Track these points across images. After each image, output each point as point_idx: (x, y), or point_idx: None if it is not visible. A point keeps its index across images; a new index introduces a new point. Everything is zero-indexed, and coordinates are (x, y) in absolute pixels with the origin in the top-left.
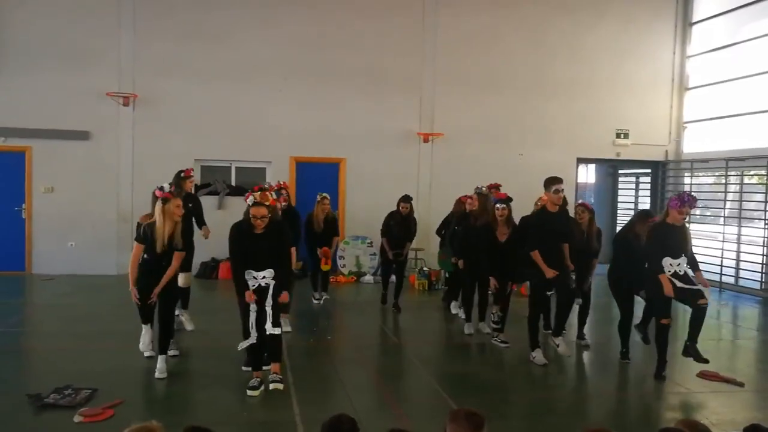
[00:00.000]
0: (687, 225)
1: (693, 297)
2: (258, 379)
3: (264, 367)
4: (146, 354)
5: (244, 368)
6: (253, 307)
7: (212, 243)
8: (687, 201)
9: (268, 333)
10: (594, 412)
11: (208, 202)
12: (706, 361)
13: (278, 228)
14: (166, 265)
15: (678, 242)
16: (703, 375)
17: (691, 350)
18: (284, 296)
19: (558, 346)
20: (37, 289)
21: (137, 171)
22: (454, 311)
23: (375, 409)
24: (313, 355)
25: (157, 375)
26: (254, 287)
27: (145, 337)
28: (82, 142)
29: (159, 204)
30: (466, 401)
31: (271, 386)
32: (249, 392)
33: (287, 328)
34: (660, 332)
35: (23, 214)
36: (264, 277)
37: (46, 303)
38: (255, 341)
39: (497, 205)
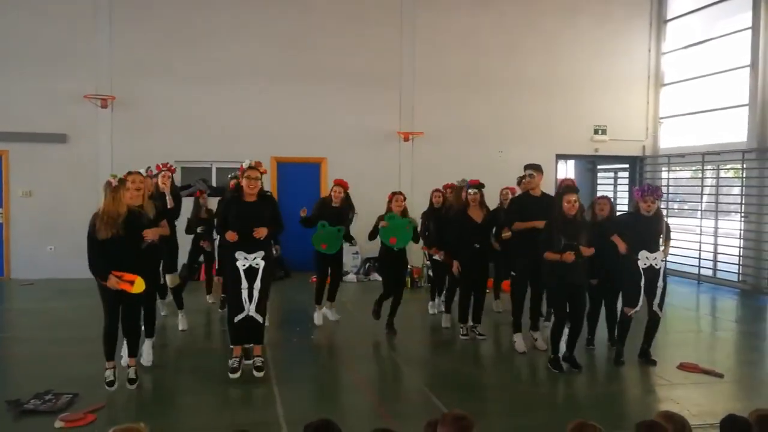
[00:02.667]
0: (664, 218)
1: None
2: (237, 359)
3: (246, 361)
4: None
5: (230, 361)
6: (244, 284)
7: (182, 245)
8: (647, 190)
9: (249, 314)
10: (574, 406)
11: (188, 203)
12: (654, 363)
13: (269, 196)
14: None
15: (652, 233)
16: (683, 367)
17: (642, 353)
18: (260, 230)
19: (536, 339)
20: (17, 295)
21: (116, 173)
22: (431, 311)
23: (359, 408)
24: (297, 354)
25: (144, 361)
26: (245, 267)
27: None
28: (60, 145)
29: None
30: (451, 398)
31: (255, 373)
32: (230, 375)
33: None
34: (623, 320)
35: (1, 219)
36: (255, 258)
37: (25, 308)
38: (247, 313)
39: (470, 191)
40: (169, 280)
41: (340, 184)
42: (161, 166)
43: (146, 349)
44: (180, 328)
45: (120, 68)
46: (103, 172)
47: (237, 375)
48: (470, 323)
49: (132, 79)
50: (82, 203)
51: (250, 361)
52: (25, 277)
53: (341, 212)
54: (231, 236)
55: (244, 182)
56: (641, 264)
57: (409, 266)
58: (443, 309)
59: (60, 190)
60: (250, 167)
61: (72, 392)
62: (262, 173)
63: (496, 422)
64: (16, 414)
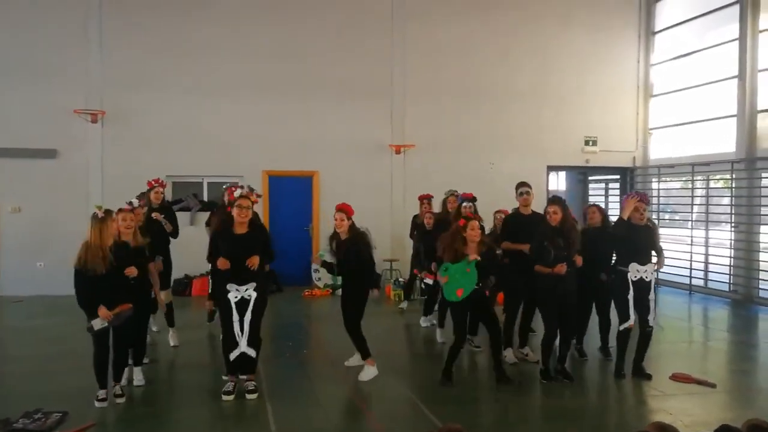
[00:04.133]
0: (655, 226)
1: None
2: (232, 384)
3: (241, 376)
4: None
5: (224, 377)
6: (236, 317)
7: (185, 259)
8: (636, 195)
9: (241, 351)
10: (567, 418)
11: (180, 218)
12: (649, 377)
13: (260, 226)
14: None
15: (645, 244)
16: (675, 377)
17: (635, 370)
18: (253, 259)
19: (526, 355)
20: (6, 312)
21: (107, 189)
22: (424, 325)
23: (352, 423)
24: (289, 368)
25: (135, 383)
26: (237, 299)
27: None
28: (49, 161)
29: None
30: (444, 411)
31: (247, 396)
32: (224, 397)
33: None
34: (621, 334)
35: None
36: (246, 290)
37: (14, 325)
38: (242, 350)
39: (464, 204)
40: (163, 296)
41: (340, 209)
42: (153, 182)
43: (136, 373)
44: (171, 344)
45: (110, 83)
46: (94, 188)
47: (230, 398)
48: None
49: (122, 93)
50: (72, 219)
51: (244, 377)
52: (15, 293)
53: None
54: (222, 263)
55: (235, 211)
56: (631, 276)
57: (401, 279)
58: (436, 323)
59: (50, 206)
60: (241, 196)
61: (62, 410)
62: (253, 202)
63: None
64: None
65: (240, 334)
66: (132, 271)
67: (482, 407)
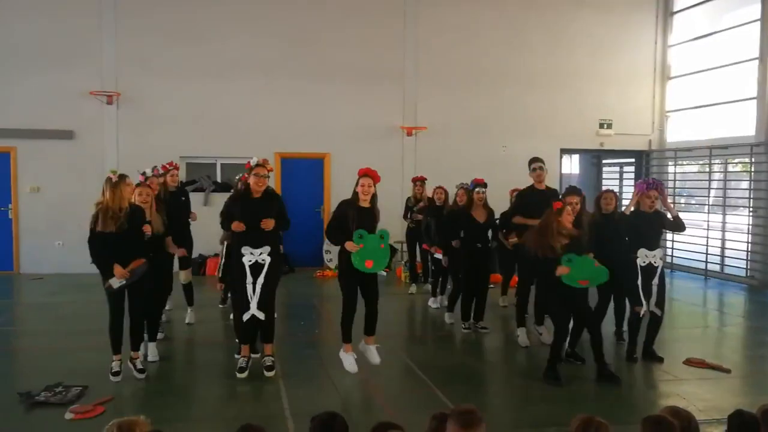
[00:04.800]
0: (662, 213)
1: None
2: (245, 358)
3: (253, 355)
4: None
5: (236, 356)
6: (249, 279)
7: (199, 239)
8: (651, 183)
9: (251, 313)
10: (579, 401)
11: (193, 199)
12: (661, 360)
13: (275, 193)
14: (133, 245)
15: (654, 230)
16: (689, 362)
17: (645, 353)
18: (268, 221)
19: (541, 334)
20: (26, 289)
21: (122, 169)
22: (434, 306)
23: (363, 402)
24: (302, 348)
25: (149, 358)
26: (251, 263)
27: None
28: (67, 141)
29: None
30: (454, 392)
31: (266, 373)
32: (238, 374)
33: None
34: (632, 320)
35: (10, 215)
36: (261, 254)
37: (35, 302)
38: (252, 312)
39: (476, 189)
40: (183, 276)
41: (368, 174)
42: (167, 165)
43: (150, 349)
44: (187, 321)
45: (125, 64)
46: (109, 168)
47: (244, 375)
48: (472, 320)
49: (137, 75)
50: (89, 198)
51: (257, 355)
52: (34, 271)
53: (373, 215)
54: (238, 226)
55: (252, 179)
56: (640, 262)
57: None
58: (446, 305)
59: (67, 186)
60: (258, 165)
61: (81, 385)
62: (269, 171)
63: (500, 416)
64: (28, 406)
65: (252, 295)
66: (147, 229)
67: (492, 389)
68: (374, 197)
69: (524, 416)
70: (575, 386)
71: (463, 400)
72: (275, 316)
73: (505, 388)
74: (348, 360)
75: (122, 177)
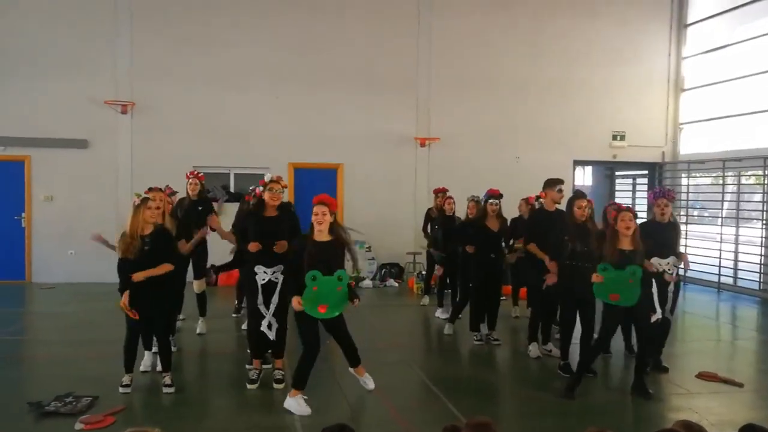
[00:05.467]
0: (677, 223)
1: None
2: (257, 371)
3: (265, 366)
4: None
5: (248, 367)
6: (260, 300)
7: (212, 249)
8: (659, 192)
9: (261, 329)
10: (590, 413)
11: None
12: (666, 370)
13: (287, 208)
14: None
15: (666, 240)
16: (702, 376)
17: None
18: (281, 244)
19: (550, 351)
20: (38, 298)
21: (136, 178)
22: (442, 317)
23: (374, 414)
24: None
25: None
26: (264, 282)
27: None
28: (80, 150)
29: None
30: (465, 404)
31: (275, 385)
32: (248, 386)
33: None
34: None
35: (23, 223)
36: (274, 273)
37: (46, 311)
38: (267, 323)
39: (490, 201)
40: (196, 285)
41: (323, 201)
42: (189, 174)
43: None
44: (198, 331)
45: (139, 74)
46: (123, 177)
47: (255, 386)
48: (484, 331)
49: (151, 84)
50: (103, 208)
51: (269, 366)
52: (46, 280)
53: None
54: (253, 247)
55: (266, 195)
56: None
57: (424, 272)
58: (448, 317)
59: (81, 195)
60: (272, 180)
61: (92, 395)
62: (283, 187)
63: (512, 429)
64: (38, 416)
65: (265, 313)
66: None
67: (503, 401)
68: (335, 227)
69: (536, 428)
70: (586, 399)
71: (475, 413)
72: (287, 329)
73: (517, 401)
74: (295, 405)
75: (144, 201)
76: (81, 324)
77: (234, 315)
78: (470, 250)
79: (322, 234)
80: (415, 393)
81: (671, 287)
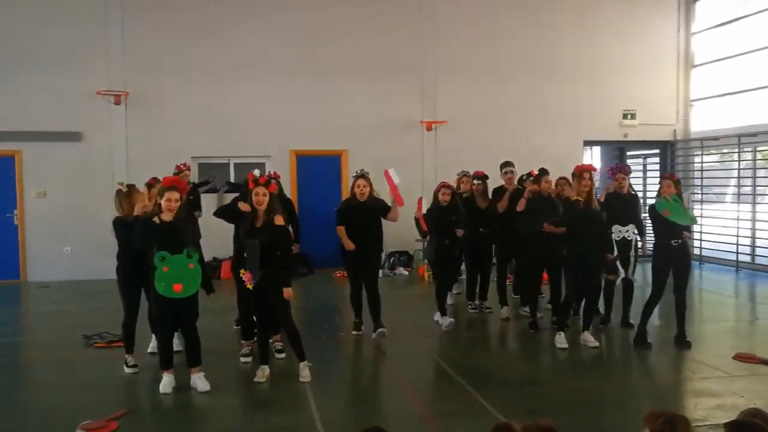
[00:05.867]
0: (637, 194)
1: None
2: (249, 348)
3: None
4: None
5: (242, 341)
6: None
7: (213, 241)
8: (616, 168)
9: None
10: (631, 402)
11: (206, 200)
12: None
13: (277, 225)
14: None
15: (627, 210)
16: (739, 357)
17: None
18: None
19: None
20: (34, 298)
21: (132, 171)
22: (450, 301)
23: (400, 409)
24: (327, 352)
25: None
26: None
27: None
28: (73, 144)
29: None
30: (495, 396)
31: (276, 356)
32: (242, 359)
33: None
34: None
35: (15, 221)
36: None
37: (43, 311)
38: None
39: (474, 181)
40: None
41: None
42: (181, 165)
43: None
44: None
45: (133, 63)
46: (119, 170)
47: (248, 359)
48: (477, 301)
49: (145, 74)
50: (98, 202)
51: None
52: (42, 279)
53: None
54: (243, 206)
55: (253, 198)
56: (615, 236)
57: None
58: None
59: (75, 190)
60: (256, 181)
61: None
62: (270, 190)
63: (553, 420)
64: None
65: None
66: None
67: (532, 391)
68: (180, 209)
69: (575, 420)
70: (621, 385)
71: (506, 406)
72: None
73: (548, 391)
74: (165, 381)
75: (131, 186)
76: (79, 323)
77: (235, 327)
78: (459, 234)
79: (169, 215)
80: (439, 385)
81: (632, 252)
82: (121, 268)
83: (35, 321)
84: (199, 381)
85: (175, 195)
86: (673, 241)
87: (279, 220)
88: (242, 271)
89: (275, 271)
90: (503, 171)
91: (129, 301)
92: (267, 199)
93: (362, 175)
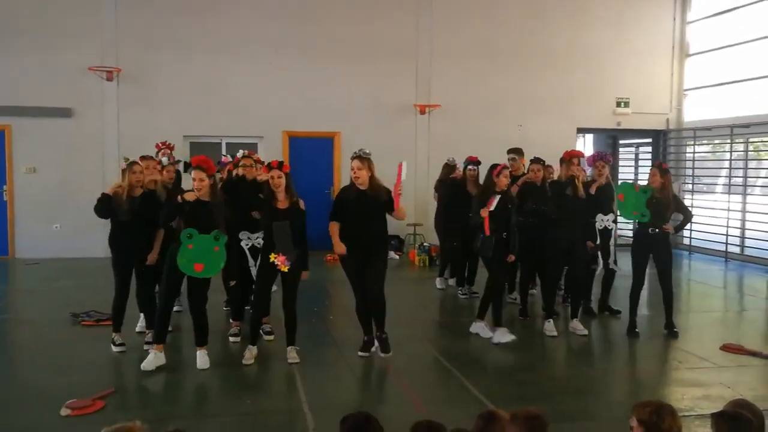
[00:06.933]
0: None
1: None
2: (238, 328)
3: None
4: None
5: (231, 321)
6: (251, 262)
7: None
8: (597, 156)
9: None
10: (617, 391)
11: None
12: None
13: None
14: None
15: (606, 198)
16: (727, 348)
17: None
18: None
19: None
20: (22, 275)
21: (123, 148)
22: (439, 286)
23: (388, 394)
24: (316, 336)
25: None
26: (248, 246)
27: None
28: (64, 120)
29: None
30: (483, 383)
31: (264, 337)
32: (231, 339)
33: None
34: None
35: (5, 197)
36: (257, 237)
37: (31, 288)
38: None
39: (469, 167)
40: None
41: (200, 165)
42: (160, 144)
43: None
44: (175, 309)
45: (126, 39)
46: (110, 147)
47: (237, 340)
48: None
49: (138, 50)
50: (89, 179)
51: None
52: (31, 256)
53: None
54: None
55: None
56: (597, 225)
57: (426, 244)
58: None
59: (66, 166)
60: (244, 156)
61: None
62: (255, 160)
63: (541, 408)
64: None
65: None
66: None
67: (522, 378)
68: (214, 188)
69: (563, 408)
70: (607, 374)
71: (495, 393)
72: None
73: (537, 378)
74: (151, 358)
75: (131, 164)
76: (67, 301)
77: (225, 308)
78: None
79: (203, 194)
80: (430, 371)
81: (612, 241)
82: (115, 246)
83: (23, 298)
84: (200, 358)
85: (201, 174)
86: (650, 229)
87: (303, 204)
88: (273, 255)
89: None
90: (509, 157)
91: (121, 278)
92: (283, 180)
93: (358, 156)
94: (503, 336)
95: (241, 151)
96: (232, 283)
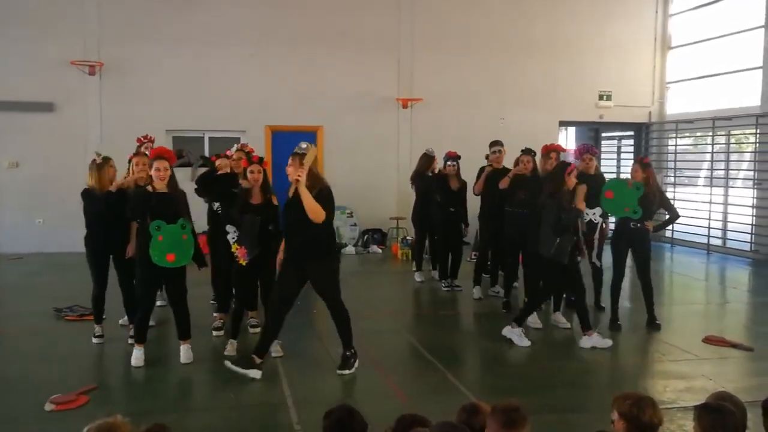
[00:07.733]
0: (603, 175)
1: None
2: (221, 321)
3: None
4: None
5: (215, 314)
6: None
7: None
8: (584, 148)
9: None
10: (599, 383)
11: (180, 175)
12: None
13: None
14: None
15: (593, 190)
16: (708, 340)
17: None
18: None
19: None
20: (4, 270)
21: (106, 143)
22: (418, 279)
23: (371, 387)
24: (300, 330)
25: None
26: (234, 240)
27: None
28: (46, 114)
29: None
30: (466, 376)
31: (250, 330)
32: (214, 333)
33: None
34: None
35: None
36: None
37: (14, 283)
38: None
39: (448, 162)
40: None
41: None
42: (142, 138)
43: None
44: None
45: (108, 33)
46: (92, 142)
47: (220, 333)
48: (449, 279)
49: (120, 44)
50: (72, 174)
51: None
52: (13, 251)
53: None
54: (246, 183)
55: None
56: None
57: (408, 238)
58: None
59: (48, 161)
60: (237, 150)
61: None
62: (248, 152)
63: (524, 400)
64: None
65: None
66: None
67: (506, 371)
68: (173, 180)
69: (546, 401)
70: (592, 367)
71: (477, 384)
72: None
73: (519, 371)
74: (136, 355)
75: (106, 159)
76: (50, 296)
77: (212, 302)
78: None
79: (161, 184)
80: (412, 364)
81: (596, 235)
82: (90, 240)
83: (6, 293)
84: (183, 352)
85: (164, 164)
86: (631, 223)
87: (275, 200)
88: (235, 246)
89: (268, 246)
90: (492, 150)
91: (98, 273)
92: (261, 176)
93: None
94: (600, 341)
95: (235, 146)
96: (202, 269)
